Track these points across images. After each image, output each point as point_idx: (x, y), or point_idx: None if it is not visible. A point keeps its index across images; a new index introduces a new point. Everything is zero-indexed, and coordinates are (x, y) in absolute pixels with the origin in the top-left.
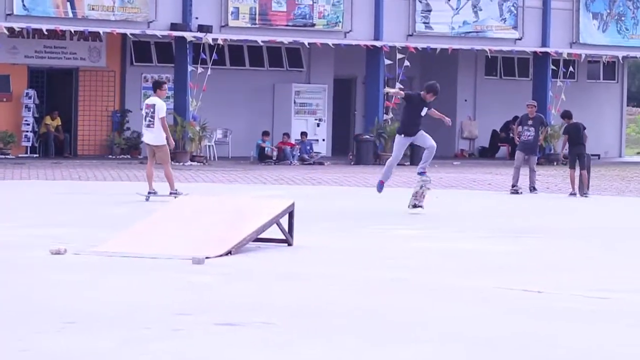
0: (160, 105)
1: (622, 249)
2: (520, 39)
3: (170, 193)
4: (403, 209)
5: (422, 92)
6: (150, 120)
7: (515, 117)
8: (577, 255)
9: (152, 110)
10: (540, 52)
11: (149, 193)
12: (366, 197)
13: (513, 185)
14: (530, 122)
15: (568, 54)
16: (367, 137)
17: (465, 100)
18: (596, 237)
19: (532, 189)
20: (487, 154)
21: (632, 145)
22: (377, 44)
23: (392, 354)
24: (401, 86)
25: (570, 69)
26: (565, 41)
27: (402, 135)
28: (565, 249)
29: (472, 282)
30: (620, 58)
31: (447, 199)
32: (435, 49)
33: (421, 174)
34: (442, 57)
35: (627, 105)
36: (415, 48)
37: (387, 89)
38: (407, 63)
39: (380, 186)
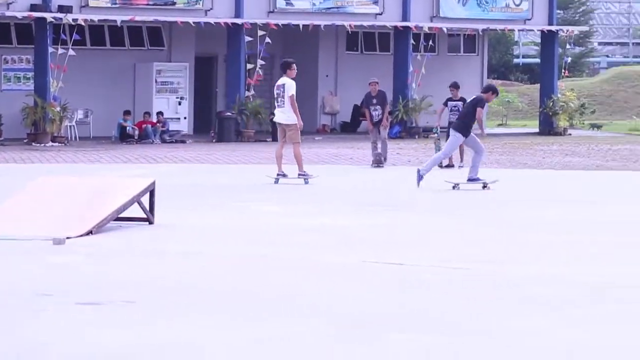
0: (290, 84)
1: (480, 221)
2: (380, 14)
3: (299, 175)
4: (265, 185)
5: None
6: (281, 100)
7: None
8: (436, 228)
9: (282, 90)
10: (400, 26)
11: (279, 175)
12: (229, 174)
13: (374, 160)
14: (374, 101)
15: (429, 27)
16: (229, 114)
17: (327, 76)
18: (455, 210)
19: (384, 159)
20: (348, 128)
21: (492, 117)
22: (238, 21)
23: (261, 329)
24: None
25: (431, 42)
26: (426, 15)
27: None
28: (425, 222)
29: (337, 257)
30: (480, 31)
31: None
32: (297, 25)
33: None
34: (304, 34)
35: (488, 78)
36: (277, 25)
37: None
38: (268, 40)
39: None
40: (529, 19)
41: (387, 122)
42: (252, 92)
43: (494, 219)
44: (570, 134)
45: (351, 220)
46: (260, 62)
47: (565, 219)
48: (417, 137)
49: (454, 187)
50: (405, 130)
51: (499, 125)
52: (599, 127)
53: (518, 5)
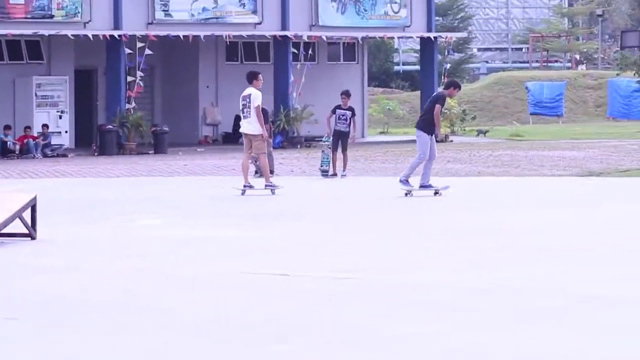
0: (256, 94)
1: (367, 229)
2: (259, 24)
3: (266, 186)
4: (146, 197)
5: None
6: (247, 111)
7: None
8: (325, 238)
9: (248, 100)
10: (280, 36)
11: (245, 186)
12: (111, 188)
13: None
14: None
15: (308, 36)
16: (110, 127)
17: (207, 87)
18: (341, 218)
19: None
20: (230, 139)
21: (374, 126)
22: (117, 33)
23: (143, 341)
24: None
25: (311, 51)
26: (305, 24)
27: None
28: (314, 231)
29: (219, 267)
30: (359, 39)
31: (192, 187)
32: (176, 36)
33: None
34: (184, 44)
35: (369, 86)
36: (156, 36)
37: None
38: (149, 51)
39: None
40: (408, 26)
41: (270, 140)
42: (133, 104)
43: (380, 227)
44: (452, 141)
45: (236, 231)
46: (140, 74)
47: (448, 226)
48: (299, 146)
49: (406, 195)
50: (287, 139)
51: (381, 133)
52: (485, 132)
53: (397, 13)
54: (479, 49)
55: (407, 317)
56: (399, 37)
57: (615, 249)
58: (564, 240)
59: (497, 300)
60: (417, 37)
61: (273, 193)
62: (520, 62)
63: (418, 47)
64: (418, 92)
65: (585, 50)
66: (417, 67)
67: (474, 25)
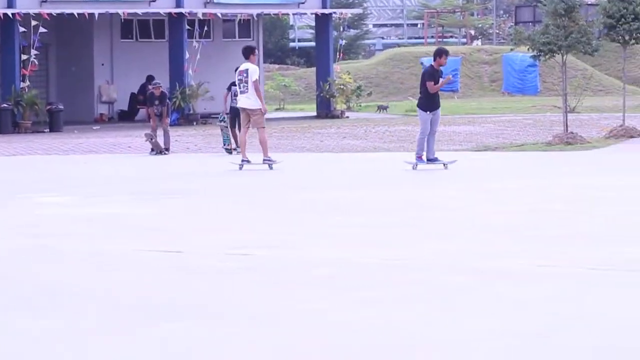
0: (254, 69)
1: (265, 206)
2: (154, 1)
3: (264, 160)
4: (43, 176)
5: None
6: (244, 86)
7: (150, 77)
8: (220, 214)
9: (245, 75)
10: (174, 13)
11: (243, 161)
12: (8, 167)
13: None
14: (157, 102)
15: (202, 14)
16: (5, 105)
17: (102, 65)
18: (237, 196)
19: (166, 149)
20: (126, 117)
21: (270, 102)
22: (10, 12)
23: (30, 320)
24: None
25: (206, 28)
26: (200, 1)
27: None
28: (210, 208)
29: (115, 245)
30: (255, 16)
31: (91, 164)
32: (71, 14)
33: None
34: (78, 22)
35: (264, 63)
36: (50, 14)
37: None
38: (43, 29)
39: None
40: (302, 3)
41: (167, 119)
42: (28, 82)
43: (278, 204)
44: (347, 117)
45: (132, 209)
46: (34, 52)
47: (347, 202)
48: (195, 123)
49: (413, 167)
50: (183, 117)
51: (277, 109)
52: (385, 108)
53: None
54: (375, 25)
55: (303, 294)
56: (294, 14)
57: (511, 223)
58: (461, 216)
59: (395, 276)
60: (312, 13)
61: (271, 168)
62: (416, 38)
63: (313, 23)
64: (314, 69)
65: (480, 25)
66: (313, 44)
67: (369, 2)
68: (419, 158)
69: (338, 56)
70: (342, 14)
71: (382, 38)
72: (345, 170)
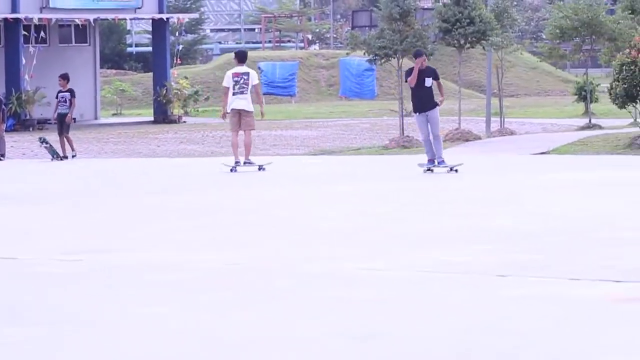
0: (254, 73)
1: (99, 210)
2: None
3: (245, 162)
4: None
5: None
6: (243, 87)
7: None
8: (54, 220)
9: (246, 77)
10: (10, 18)
11: (237, 163)
12: None
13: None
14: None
15: (39, 19)
16: None
17: None
18: (75, 200)
19: (1, 155)
20: None
21: (107, 107)
22: None
23: None
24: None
25: (42, 34)
26: (36, 6)
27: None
28: (39, 214)
29: None
30: (91, 20)
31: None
32: None
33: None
34: None
35: (101, 68)
36: None
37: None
38: None
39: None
40: (139, 8)
41: (2, 124)
42: None
43: (113, 208)
44: (185, 122)
45: None
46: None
47: (183, 206)
48: (31, 129)
49: (450, 170)
50: (20, 122)
51: (114, 114)
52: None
53: None
54: (212, 30)
55: (135, 298)
56: (130, 19)
57: (341, 226)
58: (293, 219)
59: (231, 279)
60: (149, 18)
61: (262, 169)
62: (254, 43)
63: (150, 28)
64: (151, 74)
65: (317, 30)
66: (150, 49)
67: (206, 6)
68: (429, 161)
69: (175, 61)
70: (179, 19)
71: (220, 43)
72: (183, 175)
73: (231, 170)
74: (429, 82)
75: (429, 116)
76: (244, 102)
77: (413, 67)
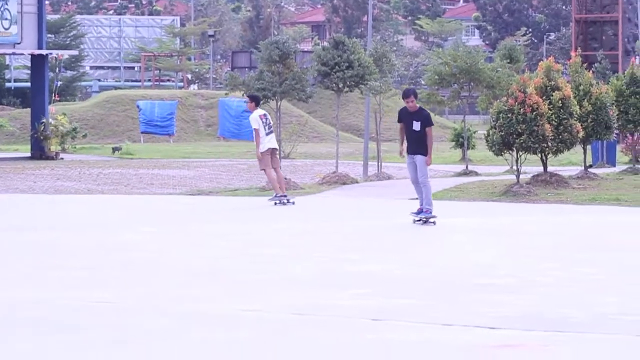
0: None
1: None
2: None
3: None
4: None
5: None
6: (270, 127)
7: None
8: None
9: (268, 119)
10: None
11: (284, 196)
12: None
13: None
14: None
15: None
16: None
17: None
18: None
19: None
20: None
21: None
22: None
23: None
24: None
25: None
26: None
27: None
28: None
29: None
30: None
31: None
32: None
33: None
34: None
35: None
36: None
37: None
38: None
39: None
40: (18, 43)
41: None
42: None
43: None
44: (62, 158)
45: None
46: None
47: (51, 243)
48: None
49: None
50: None
51: None
52: (119, 149)
53: (7, 29)
54: (92, 67)
55: (5, 337)
56: (9, 54)
57: (215, 267)
58: (164, 259)
59: (101, 318)
60: (28, 54)
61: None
62: (133, 81)
63: (29, 63)
64: (29, 109)
65: (197, 69)
66: (29, 84)
67: (86, 44)
68: (419, 210)
69: (54, 97)
70: (58, 55)
71: (99, 80)
72: (59, 212)
73: (284, 203)
74: (417, 125)
75: (416, 160)
76: (274, 141)
77: (403, 109)
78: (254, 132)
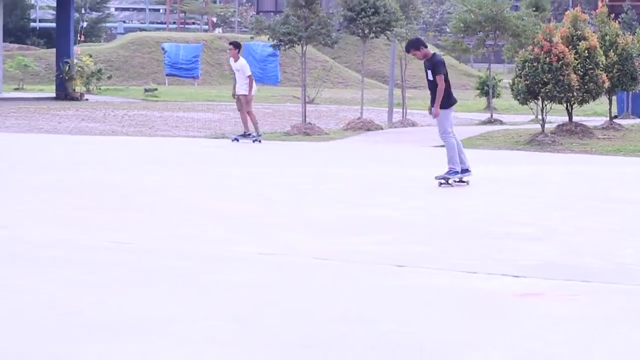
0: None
1: None
2: None
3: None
4: None
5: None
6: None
7: None
8: None
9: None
10: None
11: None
12: None
13: None
14: None
15: None
16: None
17: None
18: None
19: None
20: None
21: (9, 82)
22: None
23: None
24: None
25: None
26: None
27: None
28: None
29: None
30: None
31: None
32: None
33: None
34: None
35: (4, 42)
36: None
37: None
38: None
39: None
40: None
41: None
42: None
43: (9, 184)
44: (87, 99)
45: None
46: None
47: (76, 184)
48: None
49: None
50: None
51: (16, 89)
52: (151, 90)
53: None
54: (117, 9)
55: (15, 273)
56: None
57: (236, 210)
58: (187, 201)
59: (124, 259)
60: None
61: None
62: (158, 23)
63: (55, 4)
64: (54, 50)
65: (222, 13)
66: (54, 25)
67: None
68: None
69: (79, 38)
70: None
71: (124, 22)
72: (84, 152)
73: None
74: (430, 74)
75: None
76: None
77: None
78: (247, 78)
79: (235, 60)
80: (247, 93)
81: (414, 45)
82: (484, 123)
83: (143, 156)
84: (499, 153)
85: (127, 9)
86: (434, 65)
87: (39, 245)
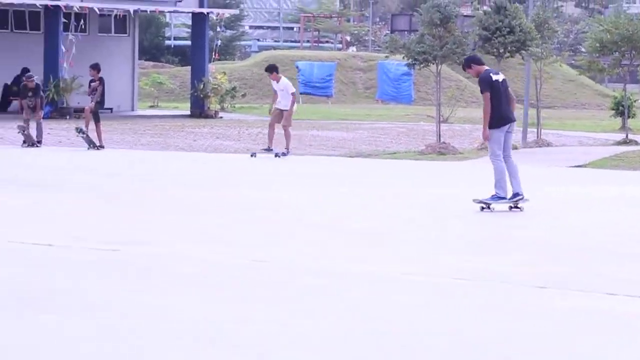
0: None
1: (130, 203)
2: None
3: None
4: None
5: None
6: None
7: (25, 70)
8: (86, 208)
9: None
10: (51, 5)
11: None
12: None
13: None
14: (30, 93)
15: (79, 7)
16: None
17: None
18: (102, 191)
19: (38, 142)
20: None
21: (144, 99)
22: None
23: None
24: None
25: (82, 22)
26: None
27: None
28: (76, 202)
29: None
30: (131, 12)
31: None
32: None
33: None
34: None
35: (140, 59)
36: None
37: None
38: None
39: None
40: (179, 1)
41: (40, 111)
42: None
43: (149, 201)
44: (221, 117)
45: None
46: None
47: (216, 202)
48: (68, 117)
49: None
50: (57, 110)
51: (151, 107)
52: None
53: None
54: (251, 27)
55: (161, 290)
56: (170, 12)
57: (374, 229)
58: (325, 219)
59: (258, 275)
60: (189, 12)
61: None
62: (292, 41)
63: (190, 22)
64: (188, 67)
65: (356, 32)
66: (188, 43)
67: (246, 3)
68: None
69: (214, 56)
70: (219, 14)
71: (258, 40)
72: (216, 170)
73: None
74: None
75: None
76: None
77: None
78: (291, 95)
79: (277, 82)
80: (288, 108)
81: (466, 63)
82: (619, 143)
83: (279, 174)
84: (635, 174)
85: (261, 27)
86: (478, 83)
87: (181, 262)
